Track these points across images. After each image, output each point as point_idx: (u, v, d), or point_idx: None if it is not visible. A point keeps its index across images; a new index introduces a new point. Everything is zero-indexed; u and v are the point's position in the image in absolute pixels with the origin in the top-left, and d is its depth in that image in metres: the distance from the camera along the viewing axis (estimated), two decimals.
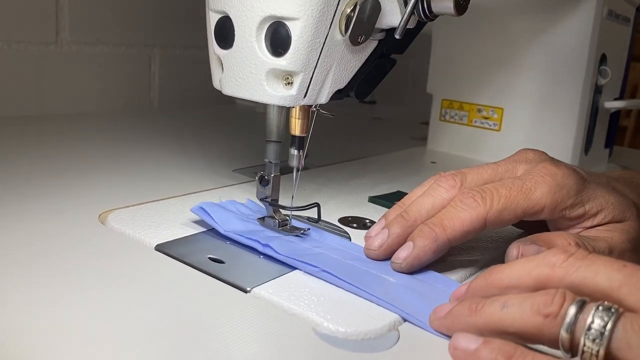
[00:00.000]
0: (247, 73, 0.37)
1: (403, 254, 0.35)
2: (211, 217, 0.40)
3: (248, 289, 0.33)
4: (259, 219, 0.42)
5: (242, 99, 0.38)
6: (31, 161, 0.55)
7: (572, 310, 0.24)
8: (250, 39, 0.37)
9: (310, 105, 0.39)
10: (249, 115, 0.94)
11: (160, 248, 0.37)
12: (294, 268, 0.36)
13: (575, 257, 0.26)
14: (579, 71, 0.66)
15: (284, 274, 0.35)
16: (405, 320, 0.31)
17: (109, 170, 0.54)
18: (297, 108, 0.39)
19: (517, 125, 0.71)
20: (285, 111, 0.40)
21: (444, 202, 0.37)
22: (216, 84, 0.40)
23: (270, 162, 0.41)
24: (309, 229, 0.41)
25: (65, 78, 0.81)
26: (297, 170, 0.41)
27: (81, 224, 0.40)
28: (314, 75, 0.37)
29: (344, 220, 0.45)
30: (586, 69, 0.66)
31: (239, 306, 0.31)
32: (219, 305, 0.31)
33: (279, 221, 0.41)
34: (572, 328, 0.23)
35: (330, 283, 0.34)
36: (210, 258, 0.37)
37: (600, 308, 0.23)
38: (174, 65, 0.94)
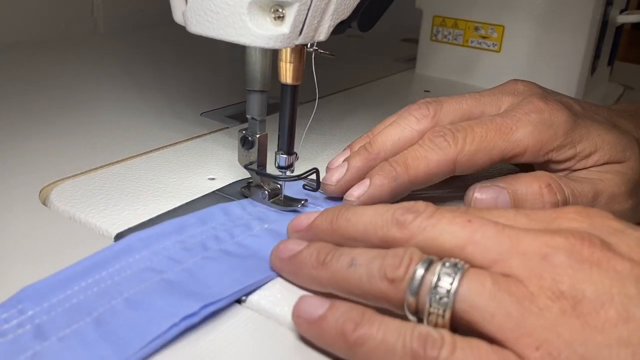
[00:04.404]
0: (221, 4, 0.27)
1: (357, 192, 0.32)
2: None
3: (243, 297, 0.25)
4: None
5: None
6: None
7: (419, 272, 0.22)
8: None
9: (305, 45, 0.30)
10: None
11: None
12: None
13: (423, 217, 0.23)
14: None
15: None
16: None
17: (44, 116, 0.44)
18: (289, 49, 0.30)
19: (520, 46, 0.63)
20: (272, 52, 0.31)
21: (413, 134, 0.33)
22: (178, 18, 0.31)
23: (253, 118, 0.32)
24: (306, 200, 0.33)
25: None
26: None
27: (15, 204, 0.31)
28: (312, 4, 0.28)
29: None
30: None
31: (235, 324, 0.24)
32: (205, 326, 0.24)
33: (268, 192, 0.33)
34: (417, 290, 0.22)
35: None
36: None
37: (447, 265, 0.22)
38: None
